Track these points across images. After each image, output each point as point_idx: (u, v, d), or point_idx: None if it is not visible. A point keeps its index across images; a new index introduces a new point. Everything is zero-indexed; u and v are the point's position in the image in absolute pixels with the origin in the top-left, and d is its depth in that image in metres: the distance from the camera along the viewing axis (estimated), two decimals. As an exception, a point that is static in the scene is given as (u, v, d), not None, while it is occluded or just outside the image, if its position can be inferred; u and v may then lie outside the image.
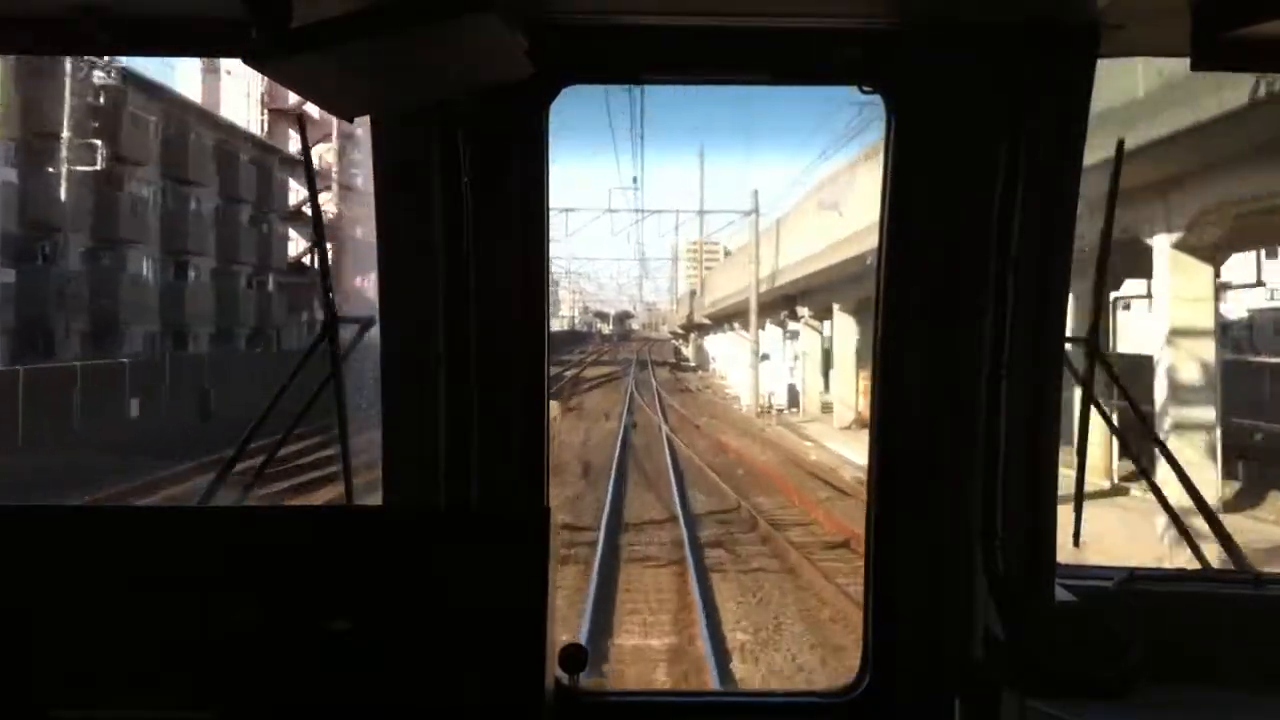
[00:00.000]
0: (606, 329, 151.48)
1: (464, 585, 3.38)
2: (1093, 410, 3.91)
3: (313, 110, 3.91)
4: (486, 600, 3.36)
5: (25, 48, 6.54)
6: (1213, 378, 22.19)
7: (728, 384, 67.60)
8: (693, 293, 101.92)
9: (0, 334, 40.12)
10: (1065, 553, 3.81)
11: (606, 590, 17.45)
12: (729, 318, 69.39)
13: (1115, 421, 4.24)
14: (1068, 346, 3.78)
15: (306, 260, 58.73)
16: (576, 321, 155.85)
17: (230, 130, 55.74)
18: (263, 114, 61.38)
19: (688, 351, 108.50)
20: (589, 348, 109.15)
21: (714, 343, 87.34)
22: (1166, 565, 4.12)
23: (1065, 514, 3.81)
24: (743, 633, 15.71)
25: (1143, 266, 22.95)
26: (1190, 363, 21.93)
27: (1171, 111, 17.22)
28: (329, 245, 4.50)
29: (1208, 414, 21.87)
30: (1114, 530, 17.27)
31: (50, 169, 42.63)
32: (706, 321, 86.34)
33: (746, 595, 17.63)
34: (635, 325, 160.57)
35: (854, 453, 29.66)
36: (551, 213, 3.96)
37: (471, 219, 3.71)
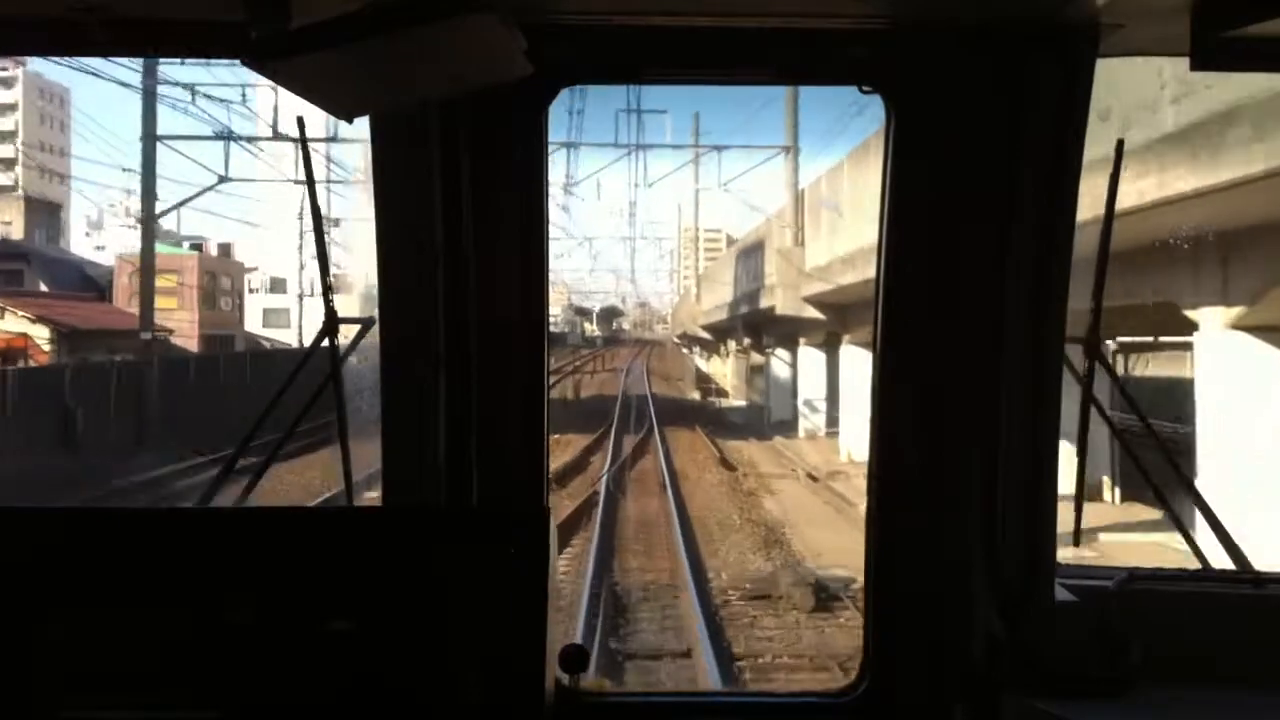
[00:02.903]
0: (590, 328, 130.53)
1: (464, 585, 3.38)
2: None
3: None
4: (486, 600, 3.36)
5: (25, 48, 6.54)
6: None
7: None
8: (742, 252, 50.51)
9: None
10: (1065, 553, 3.81)
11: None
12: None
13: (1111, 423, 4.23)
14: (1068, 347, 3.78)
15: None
16: (559, 319, 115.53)
17: None
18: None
19: (716, 371, 65.75)
20: (551, 364, 71.52)
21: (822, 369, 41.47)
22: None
23: (1065, 514, 3.81)
24: None
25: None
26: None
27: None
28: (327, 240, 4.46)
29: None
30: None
31: None
32: (813, 316, 36.21)
33: None
34: (626, 325, 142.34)
35: None
36: None
37: (471, 219, 3.71)
